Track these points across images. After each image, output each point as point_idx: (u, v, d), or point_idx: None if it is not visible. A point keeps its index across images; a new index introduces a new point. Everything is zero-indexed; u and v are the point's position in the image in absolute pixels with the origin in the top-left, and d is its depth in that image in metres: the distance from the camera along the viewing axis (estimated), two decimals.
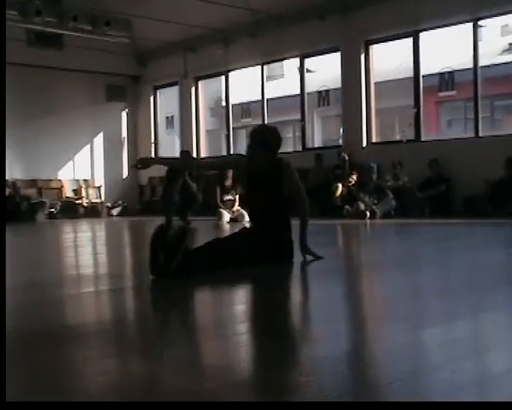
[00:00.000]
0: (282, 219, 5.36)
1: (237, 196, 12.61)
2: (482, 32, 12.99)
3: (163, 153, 18.72)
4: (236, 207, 12.48)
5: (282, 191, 5.36)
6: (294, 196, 5.45)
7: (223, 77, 17.01)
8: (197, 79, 17.62)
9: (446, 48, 14.46)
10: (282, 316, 3.54)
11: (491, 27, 15.15)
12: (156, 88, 18.87)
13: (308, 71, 15.55)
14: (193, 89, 17.66)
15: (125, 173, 19.02)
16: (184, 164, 8.27)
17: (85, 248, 8.66)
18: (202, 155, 17.57)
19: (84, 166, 18.05)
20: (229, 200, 12.58)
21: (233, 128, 17.09)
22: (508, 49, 17.19)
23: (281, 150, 5.54)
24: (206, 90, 18.10)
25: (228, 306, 3.88)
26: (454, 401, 1.96)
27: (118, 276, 5.22)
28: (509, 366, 2.36)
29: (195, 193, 11.92)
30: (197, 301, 4.27)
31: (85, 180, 18.01)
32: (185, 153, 12.52)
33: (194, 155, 16.64)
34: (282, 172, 5.35)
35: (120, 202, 17.83)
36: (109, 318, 3.65)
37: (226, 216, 12.21)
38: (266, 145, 5.39)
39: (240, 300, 4.18)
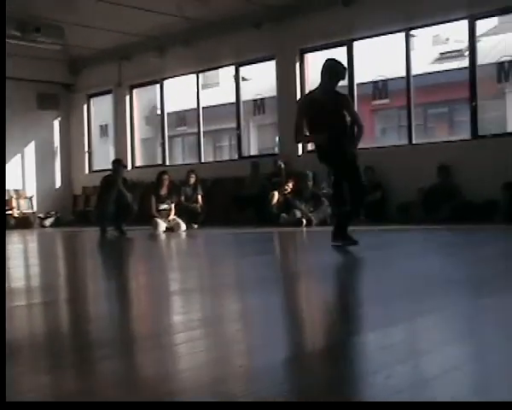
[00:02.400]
0: None
1: (173, 205, 12.47)
2: (414, 41, 13.19)
3: (97, 162, 18.42)
4: (172, 216, 12.34)
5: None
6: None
7: (158, 85, 16.85)
8: (132, 87, 17.41)
9: (380, 57, 14.65)
10: (215, 326, 3.46)
11: (423, 37, 15.43)
12: (90, 96, 18.55)
13: (243, 79, 15.54)
14: (127, 97, 17.45)
15: (58, 183, 18.63)
16: None
17: (16, 261, 8.39)
18: (137, 163, 17.37)
19: (15, 176, 17.56)
20: (165, 209, 12.41)
21: (168, 136, 16.92)
22: (439, 59, 17.58)
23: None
24: (140, 99, 17.89)
25: (164, 316, 3.77)
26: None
27: (50, 288, 5.06)
28: (444, 368, 2.34)
29: (130, 203, 11.74)
30: (134, 309, 4.15)
31: (16, 190, 17.53)
32: (117, 162, 12.28)
33: (129, 163, 16.41)
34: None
35: (53, 213, 17.42)
36: (42, 331, 3.52)
37: (162, 225, 12.05)
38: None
39: (178, 310, 4.09)
